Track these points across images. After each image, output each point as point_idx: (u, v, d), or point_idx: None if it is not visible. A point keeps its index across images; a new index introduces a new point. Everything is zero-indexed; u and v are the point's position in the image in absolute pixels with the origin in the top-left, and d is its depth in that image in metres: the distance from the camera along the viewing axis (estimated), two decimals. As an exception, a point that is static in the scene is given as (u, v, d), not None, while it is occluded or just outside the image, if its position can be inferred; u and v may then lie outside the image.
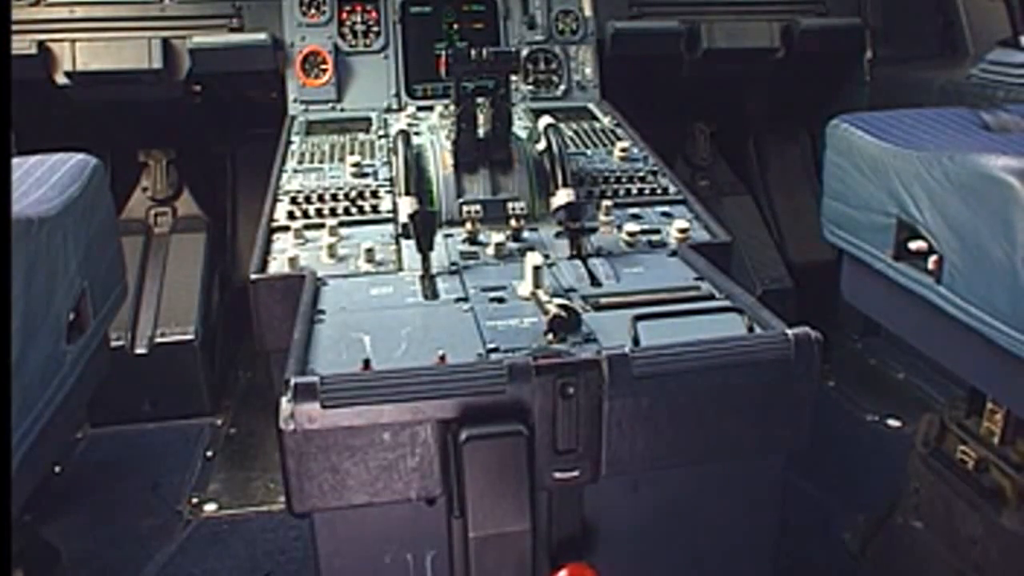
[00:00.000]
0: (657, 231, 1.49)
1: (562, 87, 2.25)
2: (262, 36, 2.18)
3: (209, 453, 2.14)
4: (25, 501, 1.57)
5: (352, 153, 1.81)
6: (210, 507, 1.94)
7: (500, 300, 1.24)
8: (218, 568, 1.77)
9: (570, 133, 1.92)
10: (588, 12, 2.29)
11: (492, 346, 1.11)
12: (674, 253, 1.42)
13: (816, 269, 1.87)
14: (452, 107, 1.57)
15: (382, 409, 0.95)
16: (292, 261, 1.37)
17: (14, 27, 2.08)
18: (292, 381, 0.95)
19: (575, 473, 1.03)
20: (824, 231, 1.60)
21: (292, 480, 0.96)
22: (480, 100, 1.55)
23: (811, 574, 1.76)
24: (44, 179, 1.49)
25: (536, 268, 1.23)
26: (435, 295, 1.27)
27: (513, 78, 2.13)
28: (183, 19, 2.23)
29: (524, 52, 2.23)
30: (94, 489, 2.01)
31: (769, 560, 1.19)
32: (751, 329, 1.11)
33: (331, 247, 1.40)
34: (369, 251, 1.38)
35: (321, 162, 1.79)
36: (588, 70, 2.27)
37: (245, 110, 2.62)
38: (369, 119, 2.06)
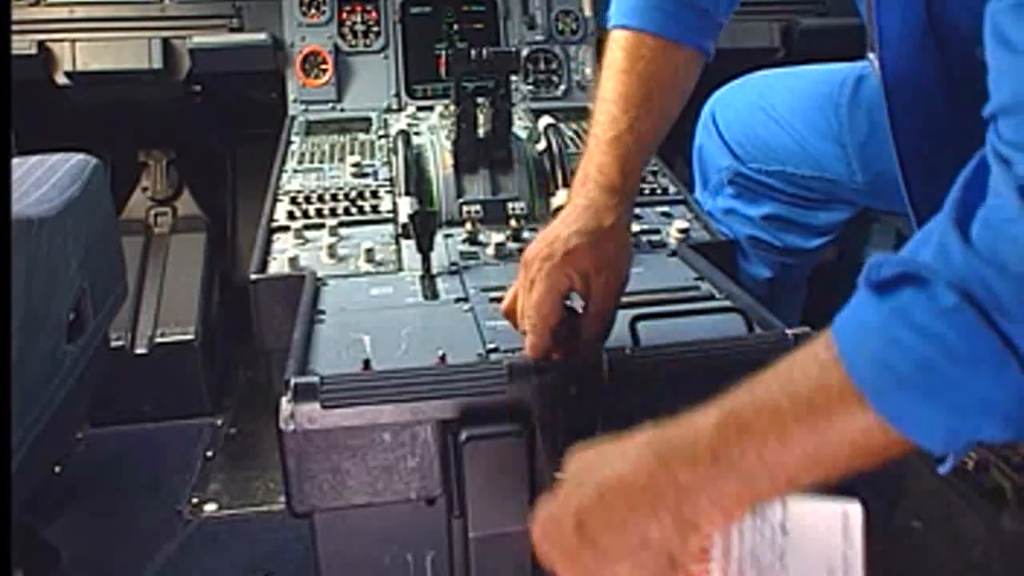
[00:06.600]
0: (657, 231, 1.48)
1: (562, 87, 2.25)
2: (262, 36, 2.18)
3: (209, 453, 2.14)
4: (25, 501, 1.57)
5: (352, 153, 1.81)
6: (210, 507, 1.94)
7: (500, 300, 1.23)
8: (218, 568, 1.77)
9: (570, 133, 1.92)
10: (588, 12, 2.28)
11: (492, 346, 1.11)
12: (674, 253, 1.42)
13: (817, 268, 1.88)
14: (452, 107, 1.57)
15: (382, 409, 0.95)
16: (292, 261, 1.37)
17: (14, 27, 2.07)
18: (292, 381, 0.95)
19: (575, 473, 1.03)
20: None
21: (292, 480, 0.96)
22: (480, 100, 1.55)
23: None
24: (44, 179, 1.49)
25: (536, 268, 1.23)
26: (435, 295, 1.27)
27: (513, 78, 2.12)
28: (183, 19, 2.23)
29: (524, 52, 2.23)
30: (94, 489, 2.00)
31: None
32: (751, 329, 1.11)
33: (331, 247, 1.40)
34: (369, 251, 1.38)
35: (321, 162, 1.79)
36: (588, 70, 2.27)
37: (245, 110, 2.62)
38: (369, 119, 2.06)
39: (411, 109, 2.03)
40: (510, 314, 1.08)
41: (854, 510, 0.78)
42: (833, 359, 0.69)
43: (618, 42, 1.20)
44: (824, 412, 0.69)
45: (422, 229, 1.32)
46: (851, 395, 0.67)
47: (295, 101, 2.17)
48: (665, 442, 0.77)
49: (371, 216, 1.55)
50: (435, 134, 1.69)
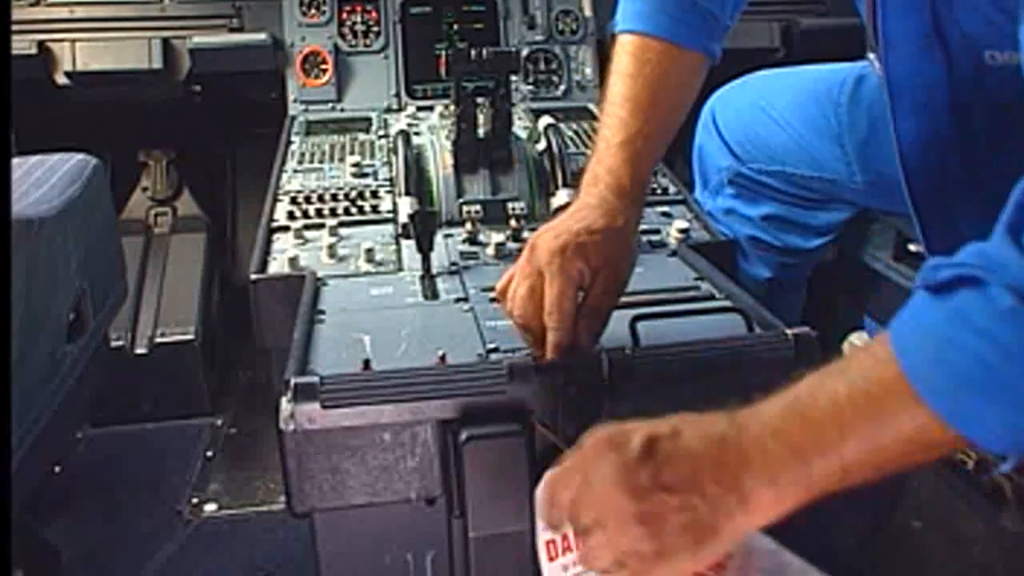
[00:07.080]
0: (657, 231, 1.49)
1: (562, 87, 2.25)
2: (262, 36, 2.18)
3: (209, 453, 2.14)
4: (25, 501, 1.57)
5: (352, 153, 1.81)
6: (210, 507, 1.94)
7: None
8: (218, 568, 1.77)
9: (570, 133, 1.92)
10: (588, 12, 2.28)
11: (492, 346, 1.11)
12: (674, 253, 1.42)
13: (817, 268, 1.88)
14: (452, 107, 1.58)
15: (382, 409, 0.95)
16: (292, 261, 1.37)
17: (14, 27, 2.07)
18: (292, 381, 0.95)
19: (575, 473, 1.03)
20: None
21: (292, 480, 0.96)
22: (480, 100, 1.55)
23: (811, 574, 1.75)
24: (44, 179, 1.49)
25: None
26: (435, 295, 1.27)
27: (513, 78, 2.12)
28: (183, 19, 2.23)
29: (524, 52, 2.23)
30: (94, 489, 2.00)
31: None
32: (751, 329, 1.11)
33: (331, 247, 1.40)
34: (369, 251, 1.38)
35: (321, 162, 1.79)
36: (588, 70, 2.27)
37: (245, 110, 2.62)
38: (369, 119, 2.06)
39: (411, 109, 2.03)
40: (502, 296, 1.07)
41: None
42: (890, 357, 0.71)
43: (625, 47, 1.20)
44: (880, 405, 0.71)
45: (422, 229, 1.32)
46: (907, 392, 0.69)
47: (295, 101, 2.17)
48: (739, 415, 0.79)
49: (371, 216, 1.55)
50: (435, 134, 1.69)
